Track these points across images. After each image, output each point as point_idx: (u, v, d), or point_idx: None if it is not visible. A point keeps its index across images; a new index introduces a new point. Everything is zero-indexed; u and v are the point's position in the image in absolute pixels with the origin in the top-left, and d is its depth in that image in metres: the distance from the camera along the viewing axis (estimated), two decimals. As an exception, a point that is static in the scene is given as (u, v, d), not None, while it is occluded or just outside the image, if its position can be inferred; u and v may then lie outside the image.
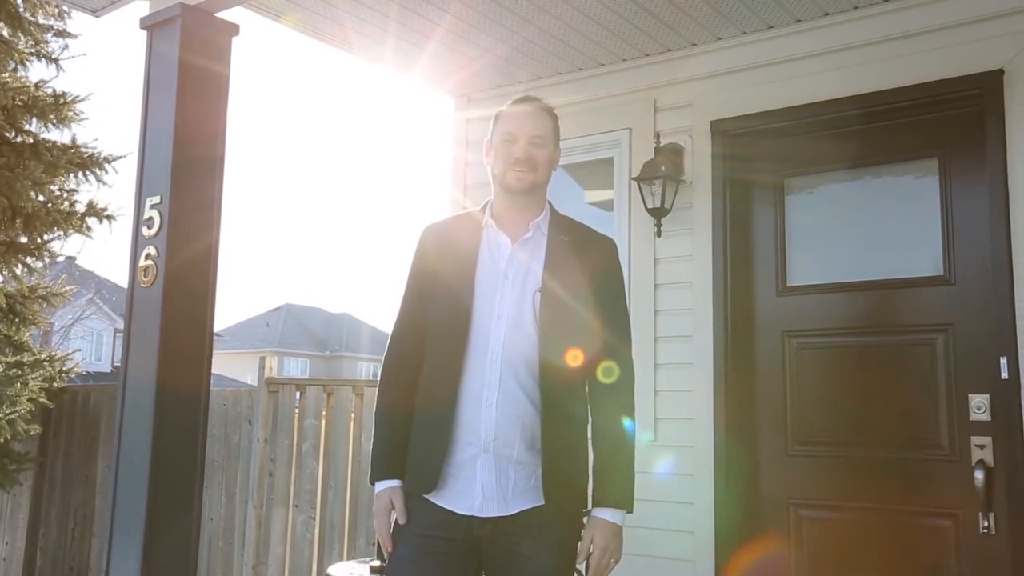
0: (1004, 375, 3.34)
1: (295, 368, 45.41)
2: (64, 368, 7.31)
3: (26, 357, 6.95)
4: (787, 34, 3.94)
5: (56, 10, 7.49)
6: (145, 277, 3.08)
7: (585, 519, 2.45)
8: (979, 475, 3.35)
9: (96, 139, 8.01)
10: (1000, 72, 3.44)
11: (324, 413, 5.67)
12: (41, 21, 7.49)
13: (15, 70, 7.32)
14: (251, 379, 6.47)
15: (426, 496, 2.36)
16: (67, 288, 7.88)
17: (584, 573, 2.43)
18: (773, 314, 3.97)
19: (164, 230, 3.07)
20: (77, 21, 7.79)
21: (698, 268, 4.05)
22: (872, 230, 3.81)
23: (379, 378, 2.54)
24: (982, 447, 3.41)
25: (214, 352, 3.24)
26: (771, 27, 3.95)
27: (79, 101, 7.40)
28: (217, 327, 3.36)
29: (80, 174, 7.30)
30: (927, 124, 3.71)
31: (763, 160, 4.07)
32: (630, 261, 4.15)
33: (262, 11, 3.88)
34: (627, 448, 2.43)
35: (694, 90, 4.18)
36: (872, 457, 3.67)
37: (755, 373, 3.98)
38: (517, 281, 2.42)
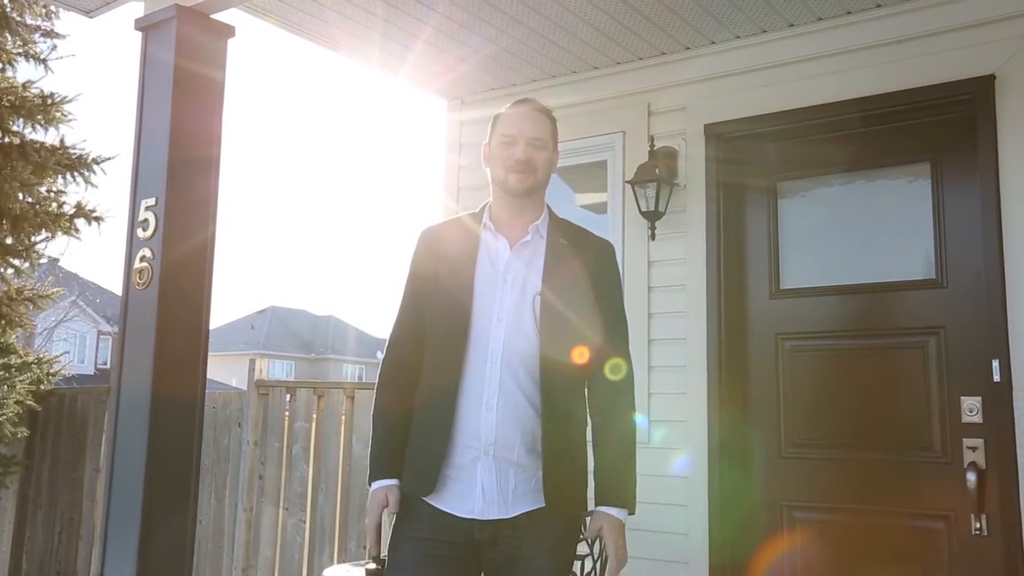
0: (996, 377, 3.36)
1: (280, 370, 45.21)
2: (52, 371, 7.26)
3: (13, 360, 6.89)
4: (780, 38, 3.96)
5: (44, 10, 7.46)
6: (140, 279, 3.06)
7: (585, 520, 2.45)
8: (971, 477, 3.38)
9: (84, 140, 7.99)
10: (992, 77, 3.47)
11: (315, 416, 5.65)
12: (29, 21, 7.46)
13: (2, 70, 7.29)
14: (236, 381, 6.44)
15: (426, 499, 2.36)
16: (54, 290, 7.84)
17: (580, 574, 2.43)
18: (766, 317, 3.99)
19: (160, 232, 3.05)
20: (66, 22, 7.77)
21: (692, 271, 4.07)
22: (865, 233, 3.84)
23: (377, 380, 2.54)
24: (974, 449, 3.44)
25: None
26: (764, 31, 3.98)
27: (67, 102, 7.36)
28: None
29: (68, 175, 7.26)
30: (919, 128, 3.73)
31: (757, 163, 4.09)
32: (624, 264, 4.16)
33: (245, 8, 3.81)
34: (631, 447, 2.45)
35: (688, 94, 4.20)
36: (865, 459, 3.69)
37: (748, 376, 4.00)
38: (516, 284, 2.42)
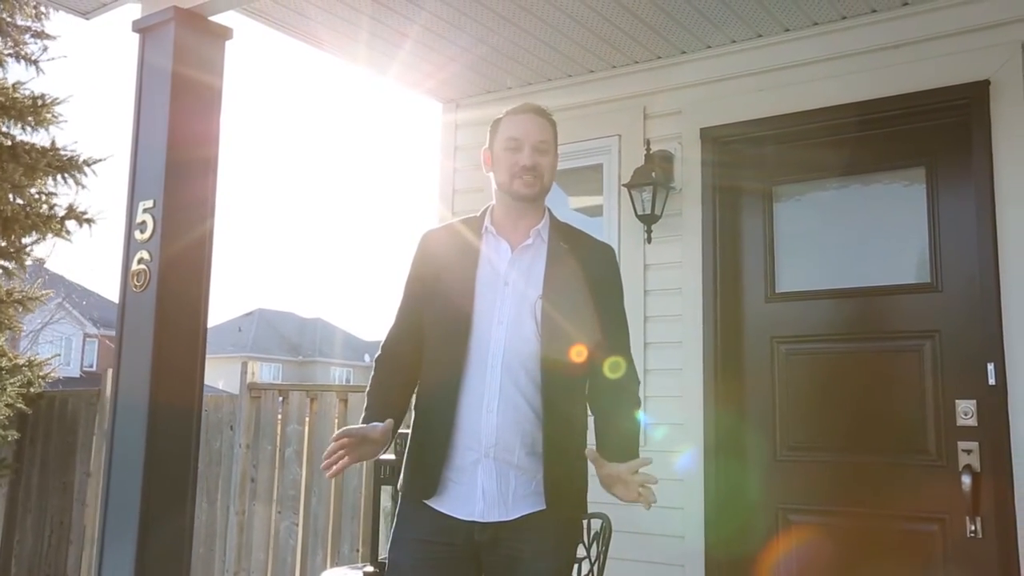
0: (991, 381, 3.38)
1: (268, 373, 44.99)
2: (42, 373, 7.22)
3: (3, 362, 6.85)
4: (776, 43, 3.97)
5: (34, 11, 7.42)
6: (138, 282, 3.04)
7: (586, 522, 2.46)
8: (966, 480, 3.39)
9: (76, 142, 7.89)
10: (987, 83, 3.49)
11: (308, 419, 5.64)
12: (19, 22, 7.41)
13: (-7, 71, 7.24)
14: (223, 384, 6.42)
15: (426, 502, 2.36)
16: (43, 292, 7.80)
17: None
18: (762, 320, 4.00)
19: (158, 234, 3.03)
20: (57, 23, 7.72)
21: (688, 274, 4.08)
22: (860, 237, 3.85)
23: (372, 369, 2.54)
24: (969, 452, 3.46)
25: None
26: (760, 36, 3.99)
27: (58, 103, 7.32)
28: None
29: (59, 177, 7.22)
30: (914, 133, 3.76)
31: (752, 167, 4.11)
32: (620, 267, 4.15)
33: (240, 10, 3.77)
34: (634, 447, 2.44)
35: (684, 98, 4.21)
36: (860, 462, 3.71)
37: (744, 379, 4.01)
38: (518, 288, 2.42)
